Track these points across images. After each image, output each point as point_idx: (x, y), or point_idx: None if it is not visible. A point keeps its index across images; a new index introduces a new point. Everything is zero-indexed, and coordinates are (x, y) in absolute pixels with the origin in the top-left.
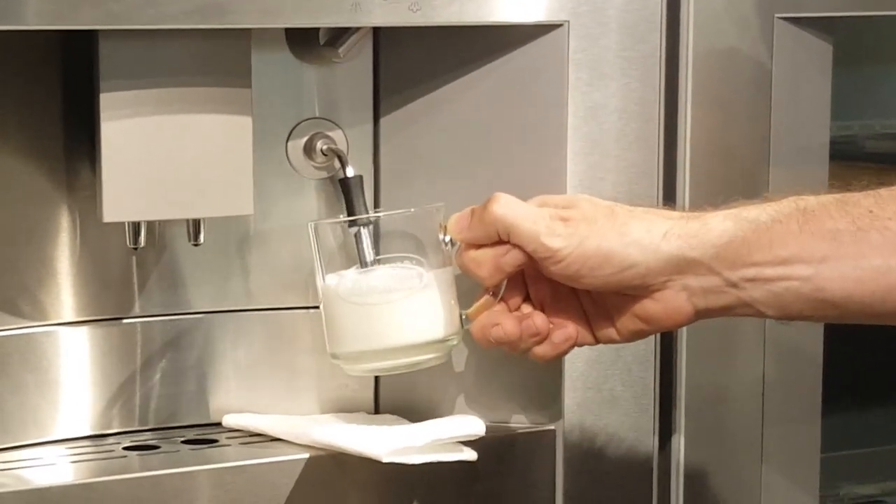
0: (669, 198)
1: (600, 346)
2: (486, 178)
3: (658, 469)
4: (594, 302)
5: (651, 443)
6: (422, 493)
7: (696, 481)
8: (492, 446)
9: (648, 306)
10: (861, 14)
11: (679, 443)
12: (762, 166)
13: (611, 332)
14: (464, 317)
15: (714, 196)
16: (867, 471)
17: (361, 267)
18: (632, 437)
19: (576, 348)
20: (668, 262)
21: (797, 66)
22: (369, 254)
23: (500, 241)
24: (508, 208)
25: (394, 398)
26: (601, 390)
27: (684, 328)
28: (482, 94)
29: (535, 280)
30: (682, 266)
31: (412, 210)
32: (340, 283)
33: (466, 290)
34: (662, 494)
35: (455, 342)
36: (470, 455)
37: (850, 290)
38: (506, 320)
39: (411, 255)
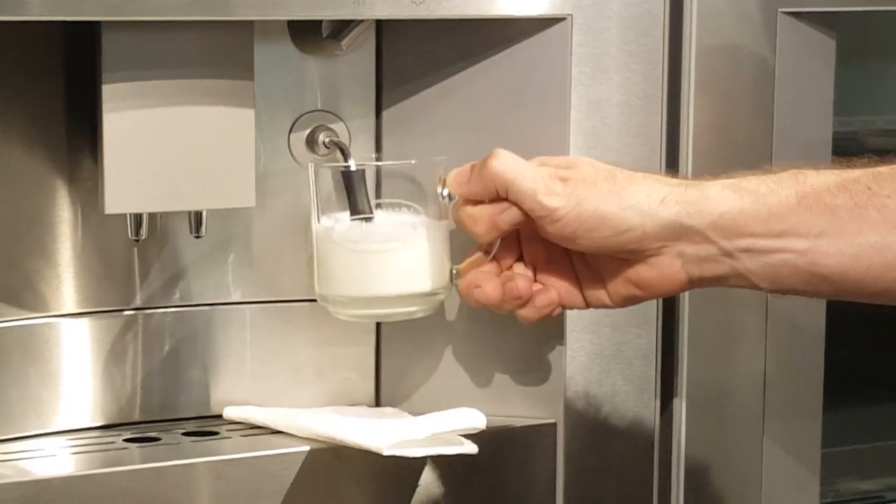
0: None
1: (602, 340)
2: None
3: (659, 463)
4: (588, 265)
5: (652, 437)
6: (423, 486)
7: (697, 476)
8: (492, 440)
9: (642, 271)
10: (864, 9)
11: (680, 437)
12: (764, 161)
13: (602, 296)
14: (454, 272)
15: None
16: (868, 467)
17: (352, 215)
18: (632, 431)
19: (579, 339)
20: (664, 227)
21: (800, 61)
22: (365, 204)
23: (498, 199)
24: (508, 165)
25: (394, 391)
26: (602, 384)
27: (686, 322)
28: (485, 88)
29: (529, 240)
30: (679, 232)
31: (413, 161)
32: (335, 226)
33: (460, 245)
34: (663, 489)
35: (443, 296)
36: (471, 448)
37: (845, 265)
38: (488, 282)
39: (409, 203)
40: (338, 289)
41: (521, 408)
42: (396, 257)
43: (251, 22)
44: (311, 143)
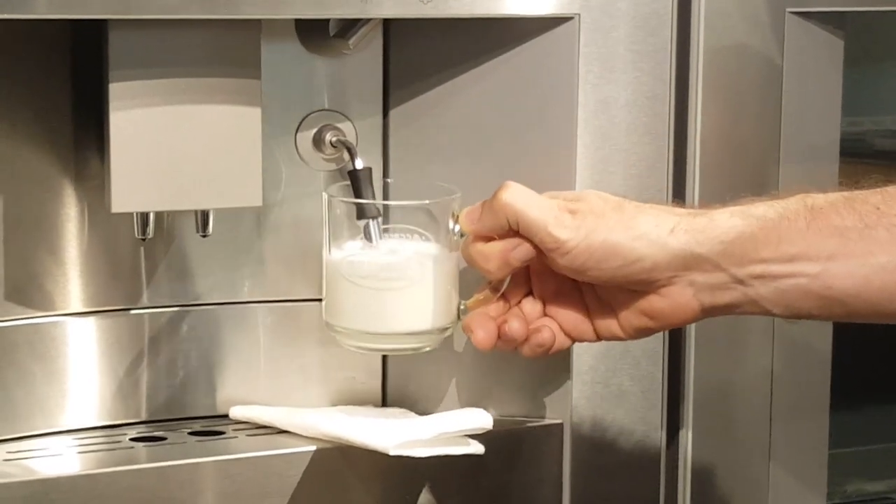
0: (679, 192)
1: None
2: (496, 170)
3: (666, 464)
4: (598, 298)
5: (659, 438)
6: (429, 487)
7: (704, 476)
8: (499, 440)
9: (654, 302)
10: (873, 9)
11: (687, 438)
12: (772, 161)
13: (614, 327)
14: (462, 307)
15: (723, 190)
16: (875, 467)
17: (358, 217)
18: (640, 431)
19: (584, 343)
20: (674, 256)
21: (808, 62)
22: (376, 238)
23: (509, 234)
24: (517, 196)
25: (401, 391)
26: (609, 385)
27: (693, 324)
28: (492, 87)
29: (539, 274)
30: (689, 261)
31: (427, 202)
32: (344, 259)
33: (469, 280)
34: (670, 489)
35: (451, 331)
36: (477, 448)
37: (857, 287)
38: (479, 329)
39: (420, 230)
40: (345, 321)
41: (528, 408)
42: (404, 295)
43: (258, 21)
44: (317, 142)
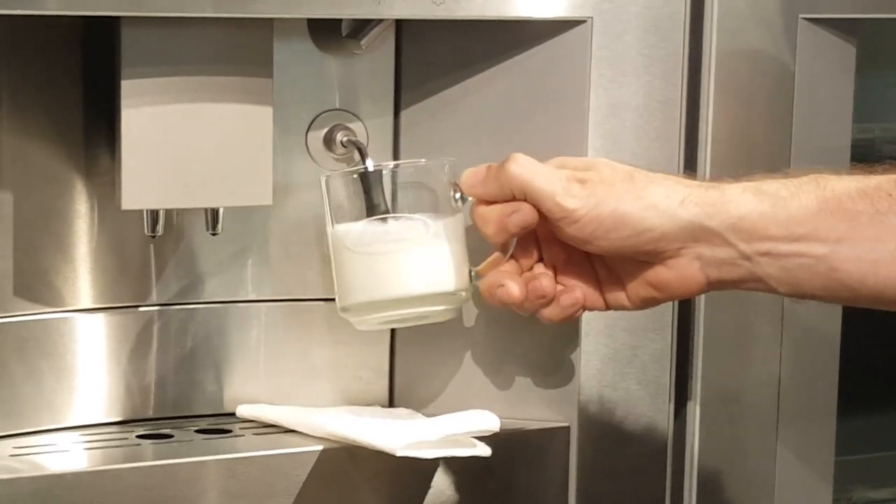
0: None
1: (616, 344)
2: None
3: (672, 468)
4: (607, 267)
5: (665, 441)
6: (435, 488)
7: (710, 481)
8: (506, 442)
9: (661, 273)
10: (885, 16)
11: (693, 442)
12: (783, 166)
13: (622, 297)
14: (473, 273)
15: None
16: (881, 475)
17: (371, 216)
18: (646, 435)
19: (593, 343)
20: (683, 228)
21: (820, 68)
22: (381, 203)
23: (511, 200)
24: (526, 167)
25: (408, 392)
26: (617, 388)
27: (701, 326)
28: (504, 89)
29: (548, 242)
30: (698, 234)
31: (423, 161)
32: (348, 233)
33: (479, 247)
34: (676, 493)
35: (465, 297)
36: (484, 450)
37: (864, 272)
38: (511, 281)
39: (422, 213)
40: (357, 296)
41: (535, 411)
42: (410, 257)
43: (271, 19)
44: (328, 141)
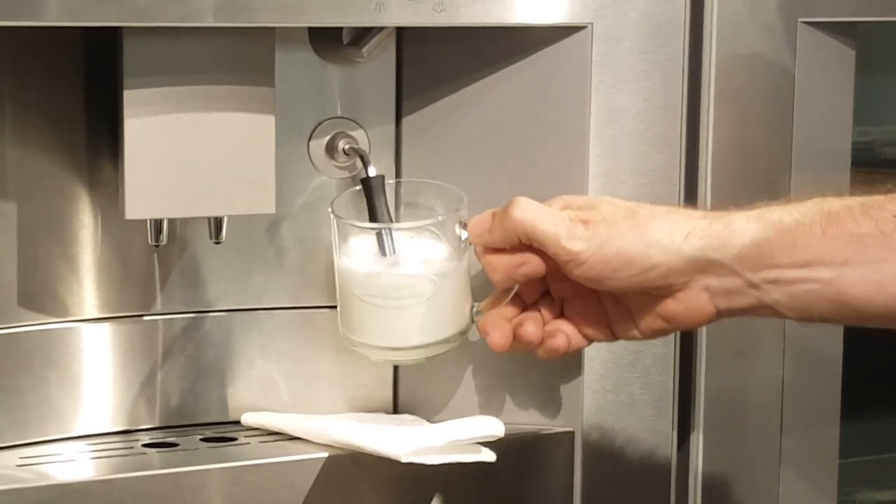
0: (690, 201)
1: (619, 348)
2: (508, 179)
3: (676, 473)
4: (616, 300)
5: (669, 446)
6: (440, 494)
7: (714, 485)
8: (510, 448)
9: (670, 306)
10: (884, 19)
11: (697, 446)
12: (784, 170)
13: (632, 330)
14: (475, 309)
15: (735, 199)
16: (885, 477)
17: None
18: (650, 440)
19: (596, 348)
20: (689, 262)
21: (820, 71)
22: (389, 250)
23: (519, 247)
24: (529, 212)
25: (413, 398)
26: (620, 393)
27: (704, 331)
28: (505, 96)
29: (556, 276)
30: (704, 266)
31: (440, 218)
32: (354, 275)
33: (484, 281)
34: (680, 498)
35: (466, 333)
36: (489, 456)
37: (871, 294)
38: (496, 331)
39: (431, 228)
40: (360, 336)
41: (539, 416)
42: (417, 311)
43: (272, 29)
44: (330, 149)
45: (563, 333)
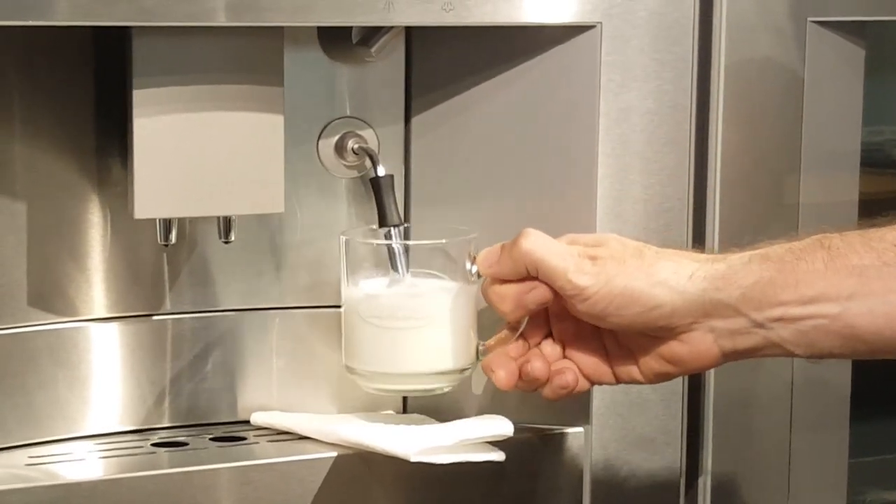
0: (699, 202)
1: None
2: (516, 178)
3: (686, 473)
4: (618, 342)
5: (679, 446)
6: (449, 493)
7: (724, 486)
8: (519, 447)
9: (674, 348)
10: (894, 19)
11: (707, 446)
12: (793, 170)
13: (634, 372)
14: (481, 348)
15: (744, 199)
16: (895, 477)
17: (380, 225)
18: (660, 440)
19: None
20: (693, 303)
21: (829, 71)
22: (399, 268)
23: (526, 278)
24: (537, 244)
25: (422, 398)
26: (629, 393)
27: None
28: (514, 95)
29: (559, 317)
30: (708, 308)
31: (444, 241)
32: (362, 300)
33: (490, 321)
34: (690, 498)
35: (469, 372)
36: (498, 456)
37: (879, 325)
38: (500, 370)
39: (438, 274)
40: (363, 364)
41: (549, 416)
42: (421, 335)
43: (281, 28)
44: (339, 149)
45: (572, 370)
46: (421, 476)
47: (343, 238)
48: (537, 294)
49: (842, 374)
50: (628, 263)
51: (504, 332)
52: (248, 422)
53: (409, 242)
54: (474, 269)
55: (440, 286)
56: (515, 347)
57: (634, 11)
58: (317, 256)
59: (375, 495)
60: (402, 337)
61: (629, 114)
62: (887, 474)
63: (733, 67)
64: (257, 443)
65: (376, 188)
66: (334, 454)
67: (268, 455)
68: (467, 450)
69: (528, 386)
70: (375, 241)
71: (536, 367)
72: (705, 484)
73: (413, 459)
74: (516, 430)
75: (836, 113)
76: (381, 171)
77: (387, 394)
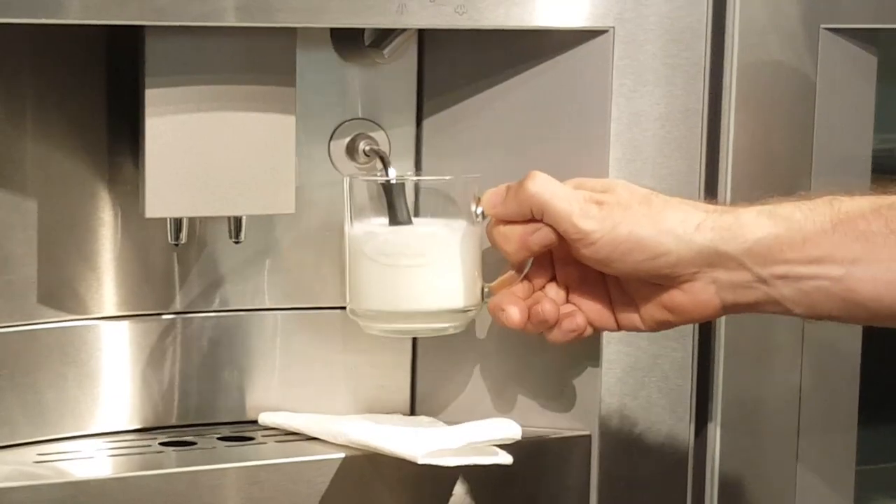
0: None
1: (637, 352)
2: None
3: (693, 477)
4: (621, 289)
5: (686, 450)
6: (457, 496)
7: (731, 490)
8: (527, 450)
9: (676, 297)
10: None
11: (714, 451)
12: (804, 177)
13: (635, 320)
14: (486, 290)
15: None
16: None
17: (391, 223)
18: (667, 444)
19: (614, 351)
20: (699, 253)
21: (842, 78)
22: (403, 212)
23: (531, 220)
24: (544, 186)
25: (430, 400)
26: (637, 397)
27: (722, 335)
28: (526, 98)
29: (563, 262)
30: (713, 259)
31: (448, 177)
32: (367, 239)
33: (494, 263)
34: (697, 502)
35: (474, 313)
36: (506, 459)
37: (881, 292)
38: (513, 306)
39: (443, 212)
40: (368, 303)
41: (556, 419)
42: (427, 273)
43: (294, 29)
44: (351, 150)
45: (581, 314)
46: (428, 478)
47: (347, 178)
48: (542, 235)
49: (850, 380)
50: (635, 210)
51: (509, 274)
52: (256, 422)
53: (414, 178)
54: (479, 209)
55: (447, 224)
56: (521, 289)
57: (647, 16)
58: (328, 257)
59: (383, 497)
60: (409, 275)
61: (641, 118)
62: (894, 481)
63: (745, 73)
64: (265, 443)
65: (387, 190)
66: (342, 455)
67: (275, 455)
68: (475, 452)
69: (537, 328)
70: (381, 179)
71: (546, 308)
72: (713, 488)
73: (421, 461)
74: (524, 433)
75: (847, 119)
76: (393, 173)
77: (390, 335)
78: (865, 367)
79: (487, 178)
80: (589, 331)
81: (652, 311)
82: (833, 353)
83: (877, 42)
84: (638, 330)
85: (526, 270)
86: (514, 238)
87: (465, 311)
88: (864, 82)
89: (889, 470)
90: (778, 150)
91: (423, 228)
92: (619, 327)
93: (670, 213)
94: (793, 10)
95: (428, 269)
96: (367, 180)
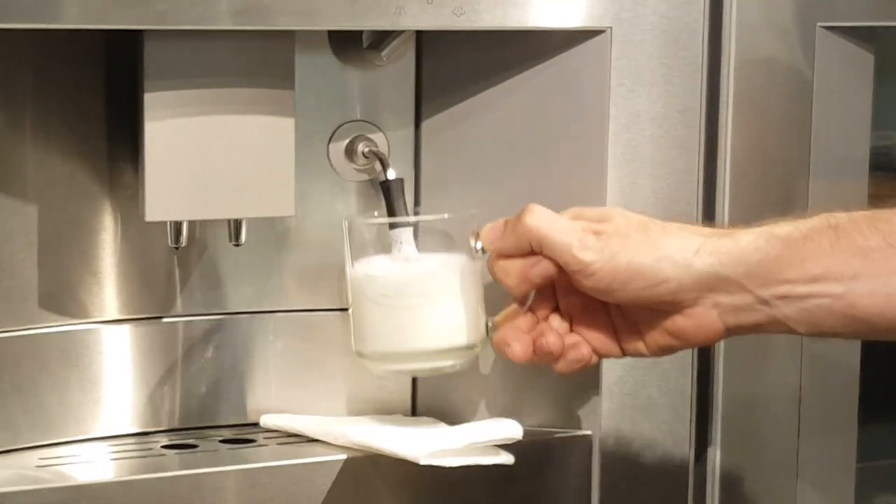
0: (709, 205)
1: None
2: (527, 182)
3: (694, 477)
4: (624, 316)
5: (687, 450)
6: (458, 496)
7: (732, 489)
8: (528, 450)
9: (679, 322)
10: None
11: (715, 451)
12: (802, 175)
13: (640, 346)
14: (490, 324)
15: (753, 203)
16: None
17: (391, 228)
18: (668, 444)
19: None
20: (699, 278)
21: (838, 76)
22: (401, 214)
23: (531, 253)
24: (542, 220)
25: (431, 401)
26: (638, 396)
27: None
28: (524, 99)
29: (565, 292)
30: (714, 283)
31: (447, 216)
32: (368, 282)
33: (498, 297)
34: (698, 501)
35: (479, 349)
36: (507, 459)
37: (881, 307)
38: (517, 343)
39: (443, 248)
40: (373, 345)
41: (557, 419)
42: (430, 312)
43: (292, 32)
44: (350, 152)
45: (585, 344)
46: (430, 479)
47: (346, 221)
48: (542, 268)
49: (850, 378)
50: (633, 238)
51: (512, 307)
52: (257, 424)
53: (413, 219)
54: (479, 245)
55: (447, 262)
56: (525, 322)
57: (644, 16)
58: (327, 259)
59: (384, 498)
60: (412, 315)
61: (638, 118)
62: (895, 479)
63: (742, 72)
64: (266, 445)
65: (386, 192)
66: (343, 456)
67: (277, 457)
68: (476, 453)
69: (542, 360)
70: (379, 221)
71: (551, 340)
72: (713, 488)
73: (422, 462)
74: (525, 433)
75: (844, 118)
76: (392, 175)
77: (397, 375)
78: (865, 363)
79: (487, 179)
80: (594, 359)
81: (656, 337)
82: (833, 351)
83: (873, 40)
84: (643, 356)
85: (529, 303)
86: (514, 272)
87: (469, 347)
88: (860, 80)
89: (889, 467)
90: (775, 148)
91: (424, 267)
92: (624, 354)
93: (668, 239)
94: (789, 8)
95: (431, 307)
96: (367, 223)
